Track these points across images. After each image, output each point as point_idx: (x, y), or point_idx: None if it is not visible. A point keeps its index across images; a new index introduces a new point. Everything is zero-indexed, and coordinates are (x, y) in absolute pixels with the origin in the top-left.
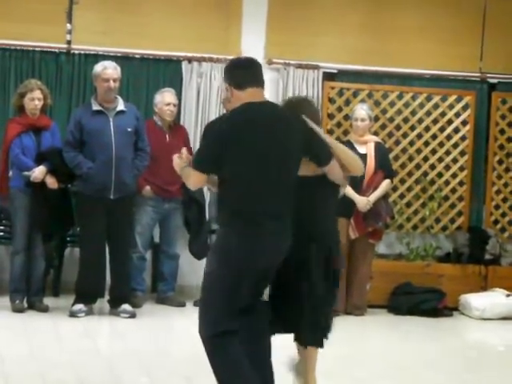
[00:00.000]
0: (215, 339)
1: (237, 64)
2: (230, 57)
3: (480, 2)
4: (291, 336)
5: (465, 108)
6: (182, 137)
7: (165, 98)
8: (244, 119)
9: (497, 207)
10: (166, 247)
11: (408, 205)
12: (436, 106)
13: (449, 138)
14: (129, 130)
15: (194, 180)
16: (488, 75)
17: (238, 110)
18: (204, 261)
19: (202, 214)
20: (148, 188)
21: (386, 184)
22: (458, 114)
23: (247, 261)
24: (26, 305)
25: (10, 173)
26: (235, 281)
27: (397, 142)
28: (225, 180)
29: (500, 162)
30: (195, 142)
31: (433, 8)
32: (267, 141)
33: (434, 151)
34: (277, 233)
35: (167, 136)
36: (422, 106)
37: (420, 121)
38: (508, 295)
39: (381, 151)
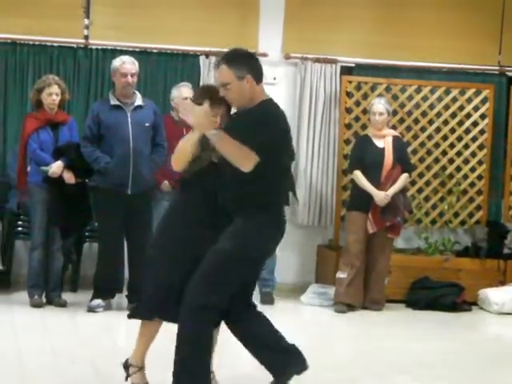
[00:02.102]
0: (204, 311)
1: (255, 56)
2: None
3: None
4: None
5: (483, 101)
6: None
7: (182, 93)
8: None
9: None
10: None
11: (426, 199)
12: (454, 100)
13: (467, 131)
14: (146, 124)
15: (252, 165)
16: (507, 68)
17: (276, 105)
18: None
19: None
20: (166, 183)
21: (404, 178)
22: (476, 108)
23: (271, 248)
24: (44, 300)
25: (28, 168)
26: (253, 265)
27: (415, 136)
28: (262, 171)
29: None
30: None
31: (451, 1)
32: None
33: (452, 145)
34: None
35: (184, 131)
36: (440, 99)
37: (438, 114)
38: None
39: (399, 145)
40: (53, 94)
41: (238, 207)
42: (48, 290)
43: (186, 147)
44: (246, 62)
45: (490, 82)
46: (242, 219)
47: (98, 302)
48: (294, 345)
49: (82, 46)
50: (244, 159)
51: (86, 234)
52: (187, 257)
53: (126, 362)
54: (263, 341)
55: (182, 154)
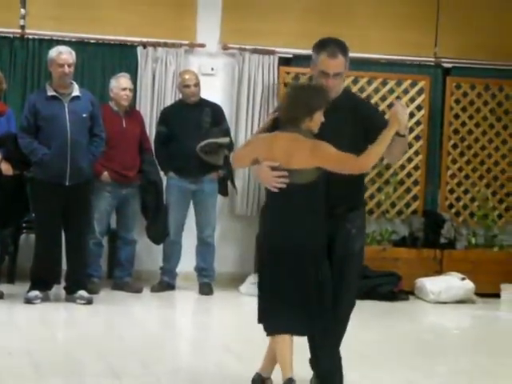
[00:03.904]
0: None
1: None
2: (185, 42)
3: None
4: None
5: (419, 93)
6: (138, 121)
7: (120, 83)
8: None
9: (451, 191)
10: (124, 233)
11: None
12: (391, 91)
13: None
14: (84, 115)
15: None
16: (442, 60)
17: None
18: (160, 246)
19: (160, 199)
20: (106, 173)
21: None
22: (412, 99)
23: None
24: None
25: None
26: None
27: None
28: None
29: (455, 146)
30: (151, 127)
31: None
32: None
33: None
34: None
35: (123, 121)
36: (377, 90)
37: (375, 105)
38: (463, 278)
39: None
40: None
41: (356, 200)
42: None
43: (385, 146)
44: (349, 52)
45: (425, 73)
46: (360, 214)
47: (35, 293)
48: None
49: (18, 36)
50: (380, 153)
51: (23, 225)
52: None
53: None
54: None
55: (379, 154)
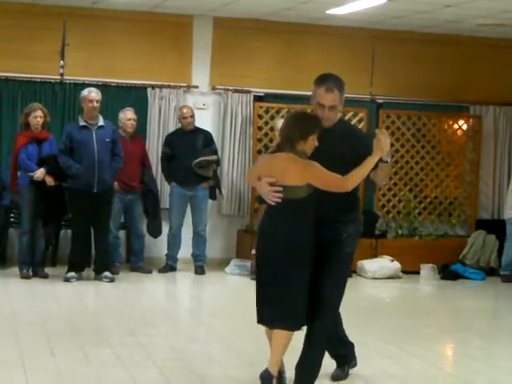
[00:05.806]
0: (337, 309)
1: None
2: (183, 84)
3: (370, 44)
4: None
5: (360, 121)
6: (140, 145)
7: (126, 115)
8: None
9: (383, 195)
10: (134, 229)
11: None
12: None
13: None
14: (107, 140)
15: None
16: (376, 97)
17: None
18: (165, 238)
19: (156, 202)
20: (116, 184)
21: None
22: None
23: None
24: (31, 273)
25: (19, 174)
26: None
27: None
28: None
29: None
30: (158, 148)
31: (334, 48)
32: None
33: None
34: None
35: (129, 144)
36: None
37: (367, 133)
38: (392, 260)
39: None
40: (37, 117)
41: (347, 214)
42: (34, 265)
43: (368, 170)
44: (345, 88)
45: (364, 106)
46: (352, 224)
47: (71, 274)
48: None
49: (58, 81)
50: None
51: (63, 223)
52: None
53: (268, 373)
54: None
55: (362, 177)
